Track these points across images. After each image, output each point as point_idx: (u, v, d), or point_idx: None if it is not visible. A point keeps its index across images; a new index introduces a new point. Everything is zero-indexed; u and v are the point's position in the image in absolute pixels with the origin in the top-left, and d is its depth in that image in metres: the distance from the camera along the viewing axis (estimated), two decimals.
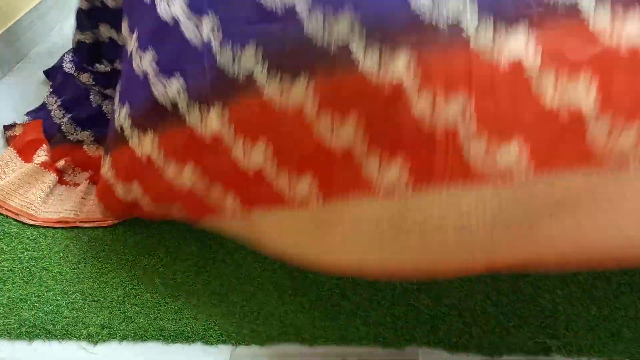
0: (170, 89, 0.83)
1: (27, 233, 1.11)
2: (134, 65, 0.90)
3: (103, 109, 1.38)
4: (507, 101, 0.68)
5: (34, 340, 0.94)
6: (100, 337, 0.94)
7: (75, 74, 1.51)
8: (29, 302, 0.98)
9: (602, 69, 0.66)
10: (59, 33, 1.85)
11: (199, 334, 0.94)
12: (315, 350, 0.94)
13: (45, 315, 0.96)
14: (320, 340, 0.94)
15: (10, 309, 0.97)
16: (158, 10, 0.86)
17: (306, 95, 0.72)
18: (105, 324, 0.95)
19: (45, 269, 1.04)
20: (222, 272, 1.05)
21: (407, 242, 0.77)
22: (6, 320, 0.95)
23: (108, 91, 1.46)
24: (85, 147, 1.32)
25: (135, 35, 0.93)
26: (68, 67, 1.54)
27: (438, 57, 0.67)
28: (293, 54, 0.73)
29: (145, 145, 0.91)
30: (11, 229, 1.12)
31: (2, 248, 1.08)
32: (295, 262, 0.90)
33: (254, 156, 0.79)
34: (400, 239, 0.77)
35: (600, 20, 0.66)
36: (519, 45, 0.67)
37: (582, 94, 0.66)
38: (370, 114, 0.72)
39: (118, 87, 1.01)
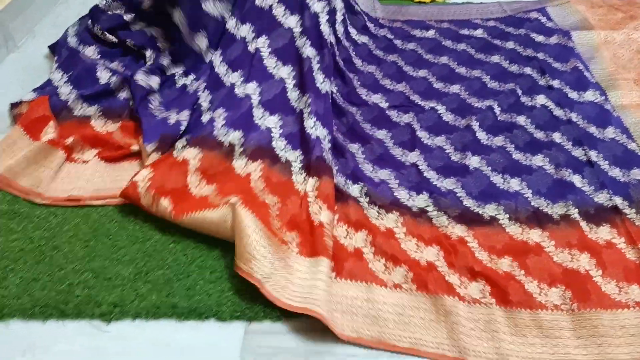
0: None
1: (37, 212, 1.10)
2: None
3: (110, 85, 1.34)
4: None
5: (48, 320, 0.93)
6: (112, 315, 0.93)
7: (80, 48, 1.48)
8: (40, 281, 0.97)
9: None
10: (64, 5, 1.81)
11: (212, 310, 0.93)
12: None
13: (58, 294, 0.95)
14: None
15: (22, 289, 0.96)
16: None
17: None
18: (117, 302, 0.94)
19: (56, 248, 1.03)
20: (233, 246, 1.03)
21: None
22: (19, 301, 0.94)
23: (113, 64, 1.43)
24: (93, 122, 1.30)
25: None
26: (73, 41, 1.51)
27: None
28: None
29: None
30: (21, 209, 1.11)
31: (13, 228, 1.07)
32: None
33: None
34: None
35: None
36: None
37: None
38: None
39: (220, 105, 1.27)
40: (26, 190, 1.13)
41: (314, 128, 1.21)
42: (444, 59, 1.53)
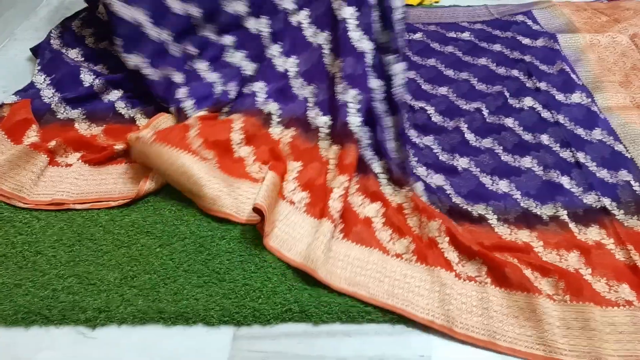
0: None
1: (20, 217, 1.08)
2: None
3: (94, 88, 1.32)
4: None
5: (31, 327, 0.91)
6: (98, 321, 0.91)
7: (64, 50, 1.46)
8: (23, 287, 0.95)
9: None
10: (46, 8, 1.78)
11: (200, 315, 0.91)
12: (320, 329, 0.91)
13: (41, 300, 0.93)
14: (326, 317, 0.91)
15: (4, 295, 0.94)
16: None
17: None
18: (103, 307, 0.92)
19: (40, 253, 1.01)
20: (221, 250, 1.01)
21: None
22: (1, 307, 0.92)
23: (97, 67, 1.41)
24: (76, 125, 1.28)
25: None
26: (56, 43, 1.48)
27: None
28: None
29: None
30: (3, 213, 1.08)
31: None
32: None
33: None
34: None
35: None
36: None
37: None
38: None
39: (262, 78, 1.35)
40: (8, 194, 1.11)
41: (342, 93, 1.25)
42: (431, 61, 1.53)
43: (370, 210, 1.11)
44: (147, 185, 1.12)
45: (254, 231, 1.05)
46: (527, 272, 0.98)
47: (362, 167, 1.18)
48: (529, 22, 1.68)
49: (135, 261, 1.00)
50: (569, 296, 0.94)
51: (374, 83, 1.30)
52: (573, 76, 1.45)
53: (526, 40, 1.60)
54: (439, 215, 1.07)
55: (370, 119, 1.25)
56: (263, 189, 1.04)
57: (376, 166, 1.19)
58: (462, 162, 1.21)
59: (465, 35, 1.64)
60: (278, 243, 1.03)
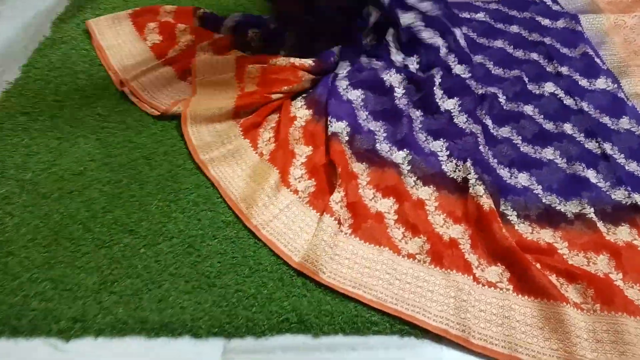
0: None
1: None
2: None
3: None
4: None
5: None
6: (73, 332, 0.81)
7: None
8: None
9: None
10: None
11: (187, 325, 0.82)
12: (321, 342, 0.81)
13: (10, 308, 0.83)
14: (327, 328, 0.82)
15: None
16: None
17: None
18: (78, 316, 0.82)
19: (12, 254, 0.91)
20: (212, 251, 0.92)
21: None
22: None
23: None
24: None
25: None
26: None
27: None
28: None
29: None
30: None
31: None
32: None
33: None
34: None
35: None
36: None
37: None
38: None
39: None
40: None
41: (346, 90, 1.22)
42: None
43: (383, 204, 1.01)
44: (175, 108, 1.16)
45: (247, 232, 0.95)
46: (552, 278, 0.88)
47: (375, 160, 1.09)
48: (549, 2, 1.56)
49: (116, 263, 0.90)
50: (599, 305, 0.85)
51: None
52: (597, 60, 1.34)
53: (546, 22, 1.48)
54: (465, 218, 0.99)
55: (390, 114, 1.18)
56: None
57: (397, 156, 1.09)
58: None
59: (480, 16, 1.52)
60: (275, 236, 0.94)
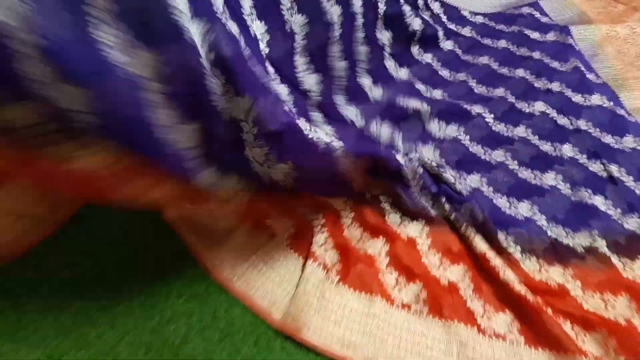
0: None
1: None
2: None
3: None
4: None
5: None
6: None
7: None
8: None
9: None
10: None
11: None
12: None
13: None
14: None
15: None
16: None
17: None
18: None
19: None
20: (177, 312, 0.80)
21: None
22: None
23: None
24: None
25: None
26: None
27: None
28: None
29: None
30: None
31: None
32: None
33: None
34: None
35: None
36: None
37: None
38: None
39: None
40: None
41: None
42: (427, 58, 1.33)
43: (372, 247, 0.90)
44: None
45: (218, 287, 0.83)
46: (567, 327, 0.77)
47: (356, 197, 0.97)
48: (537, 15, 1.48)
49: (65, 334, 0.77)
50: (624, 358, 0.73)
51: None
52: (590, 75, 1.25)
53: (535, 35, 1.40)
54: (465, 260, 0.87)
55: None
56: None
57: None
58: (471, 180, 1.01)
59: (466, 31, 1.43)
60: (248, 287, 0.83)
